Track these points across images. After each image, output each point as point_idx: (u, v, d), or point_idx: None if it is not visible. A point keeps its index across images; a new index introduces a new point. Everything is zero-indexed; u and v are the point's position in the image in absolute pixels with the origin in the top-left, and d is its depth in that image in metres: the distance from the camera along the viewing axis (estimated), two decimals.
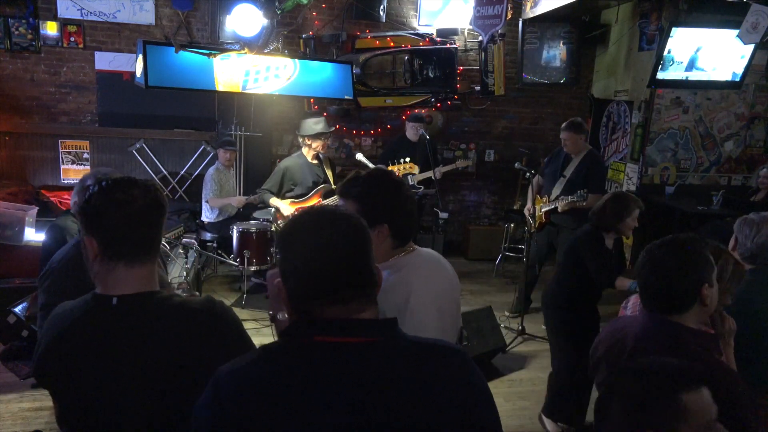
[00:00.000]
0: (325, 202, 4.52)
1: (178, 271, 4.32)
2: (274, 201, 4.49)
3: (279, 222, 4.58)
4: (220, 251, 5.69)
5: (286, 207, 4.45)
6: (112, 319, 1.36)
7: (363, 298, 1.11)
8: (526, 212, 5.11)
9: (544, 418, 3.59)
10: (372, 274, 1.13)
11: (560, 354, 3.52)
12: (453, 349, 1.19)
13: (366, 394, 1.03)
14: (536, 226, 5.02)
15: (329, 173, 4.62)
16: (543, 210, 4.91)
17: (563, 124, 4.89)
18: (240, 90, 4.14)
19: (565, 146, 4.91)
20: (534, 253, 5.14)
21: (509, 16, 5.80)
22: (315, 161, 4.53)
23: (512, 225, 6.61)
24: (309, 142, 4.49)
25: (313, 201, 4.52)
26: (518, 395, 3.99)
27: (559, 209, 4.76)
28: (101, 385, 1.34)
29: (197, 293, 3.09)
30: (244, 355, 1.13)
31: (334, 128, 5.10)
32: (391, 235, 1.68)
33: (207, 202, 5.62)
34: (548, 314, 3.59)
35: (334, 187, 4.62)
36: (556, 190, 4.95)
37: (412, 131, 5.74)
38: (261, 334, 4.69)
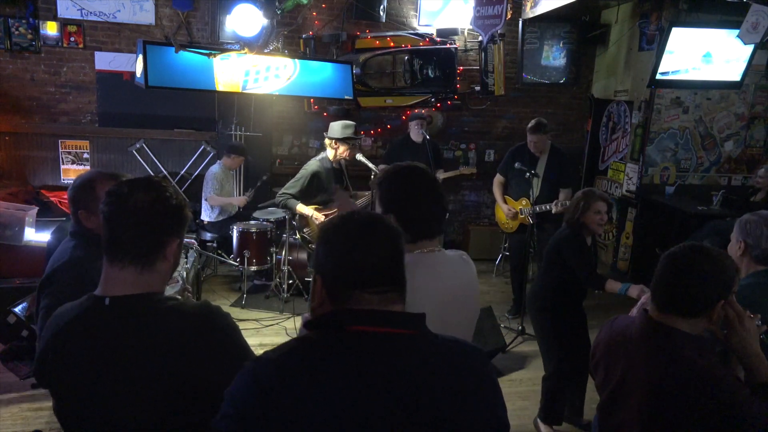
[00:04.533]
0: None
1: (177, 271, 4.31)
2: (302, 208, 4.30)
3: (305, 230, 4.41)
4: (220, 251, 5.70)
5: (318, 215, 4.30)
6: (104, 320, 1.35)
7: (396, 293, 1.19)
8: (507, 214, 5.13)
9: (539, 422, 3.57)
10: (404, 276, 1.21)
11: (549, 354, 3.50)
12: (474, 347, 1.26)
13: (404, 383, 1.08)
14: (515, 227, 5.10)
15: (347, 179, 4.53)
16: (534, 212, 4.86)
17: (530, 126, 4.93)
18: (240, 90, 4.13)
19: (534, 147, 4.96)
20: (516, 254, 5.18)
21: (509, 16, 5.79)
22: (336, 166, 4.41)
23: None
24: (336, 146, 4.35)
25: (336, 208, 4.40)
26: (518, 395, 3.99)
27: (554, 211, 4.77)
28: (94, 384, 1.33)
29: (189, 288, 3.02)
30: (281, 345, 1.17)
31: (361, 135, 4.95)
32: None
33: (206, 200, 5.61)
34: (534, 316, 3.56)
35: (351, 193, 4.51)
36: (535, 190, 4.93)
37: (415, 131, 5.70)
38: (261, 334, 4.68)
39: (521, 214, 5.05)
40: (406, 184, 1.69)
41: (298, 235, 4.53)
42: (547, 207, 4.85)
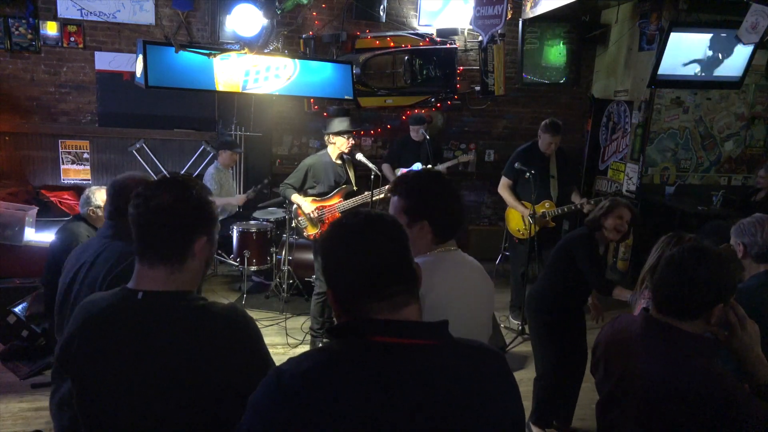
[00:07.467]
0: (346, 202, 4.55)
1: None
2: (295, 197, 4.51)
3: (300, 219, 4.59)
4: (220, 251, 5.70)
5: (307, 204, 4.46)
6: (135, 312, 1.38)
7: (407, 293, 1.16)
8: (528, 217, 4.80)
9: (531, 425, 3.56)
10: (413, 269, 1.19)
11: (544, 357, 3.49)
12: (495, 351, 1.25)
13: (427, 395, 1.07)
14: (536, 230, 4.81)
15: (351, 175, 4.65)
16: (559, 212, 4.79)
17: (548, 126, 4.76)
18: (240, 90, 4.12)
19: (549, 148, 4.80)
20: (525, 257, 4.97)
21: (509, 16, 5.79)
22: (339, 161, 4.54)
23: None
24: (333, 141, 4.49)
25: (334, 200, 4.53)
26: None
27: (586, 210, 4.52)
28: (118, 374, 1.36)
29: None
30: (304, 353, 1.16)
31: (358, 127, 5.06)
32: (432, 231, 1.75)
33: None
34: (532, 317, 3.54)
35: (355, 188, 4.63)
36: (554, 192, 4.89)
37: (414, 132, 5.90)
38: None
39: (545, 217, 4.82)
40: (434, 193, 1.78)
41: (294, 224, 4.68)
42: (576, 206, 4.72)
